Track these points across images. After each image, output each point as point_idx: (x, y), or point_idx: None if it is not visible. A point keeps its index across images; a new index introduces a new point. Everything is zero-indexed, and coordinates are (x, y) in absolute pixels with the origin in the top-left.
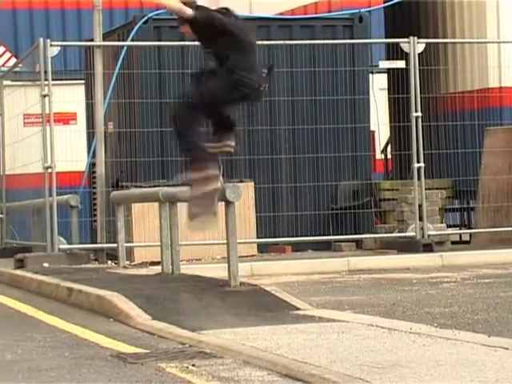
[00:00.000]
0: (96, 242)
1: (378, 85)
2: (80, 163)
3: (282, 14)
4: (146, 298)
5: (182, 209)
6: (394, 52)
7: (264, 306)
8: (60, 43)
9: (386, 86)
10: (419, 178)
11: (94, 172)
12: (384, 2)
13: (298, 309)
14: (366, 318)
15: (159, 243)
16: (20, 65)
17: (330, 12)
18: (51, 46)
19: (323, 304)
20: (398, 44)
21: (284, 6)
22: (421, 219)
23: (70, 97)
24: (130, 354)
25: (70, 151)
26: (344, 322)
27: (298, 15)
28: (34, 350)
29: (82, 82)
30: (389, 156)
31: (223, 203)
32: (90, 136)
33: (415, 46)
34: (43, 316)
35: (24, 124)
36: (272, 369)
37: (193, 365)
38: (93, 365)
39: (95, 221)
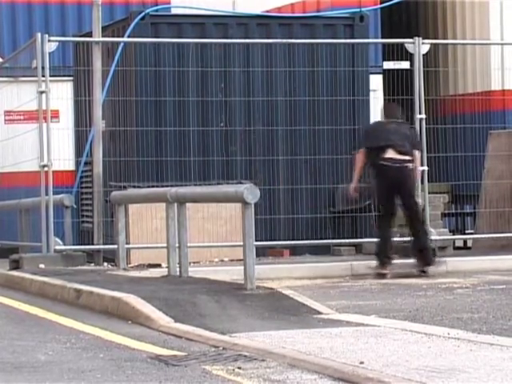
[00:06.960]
0: (84, 244)
1: (373, 86)
2: (64, 162)
3: (279, 11)
4: (164, 300)
5: None
6: (390, 53)
7: (285, 310)
8: (58, 38)
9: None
10: (422, 182)
11: (83, 172)
12: (380, 2)
13: (319, 313)
14: (395, 322)
15: (157, 245)
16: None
17: (318, 11)
18: (49, 41)
19: (342, 308)
20: (395, 44)
21: (269, 4)
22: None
23: (53, 94)
24: (169, 356)
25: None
26: (375, 326)
27: (275, 13)
28: (63, 351)
29: (66, 78)
30: None
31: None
32: (79, 135)
33: (420, 46)
34: (55, 317)
35: (5, 122)
36: (323, 372)
37: (238, 367)
38: (135, 366)
39: (83, 222)
